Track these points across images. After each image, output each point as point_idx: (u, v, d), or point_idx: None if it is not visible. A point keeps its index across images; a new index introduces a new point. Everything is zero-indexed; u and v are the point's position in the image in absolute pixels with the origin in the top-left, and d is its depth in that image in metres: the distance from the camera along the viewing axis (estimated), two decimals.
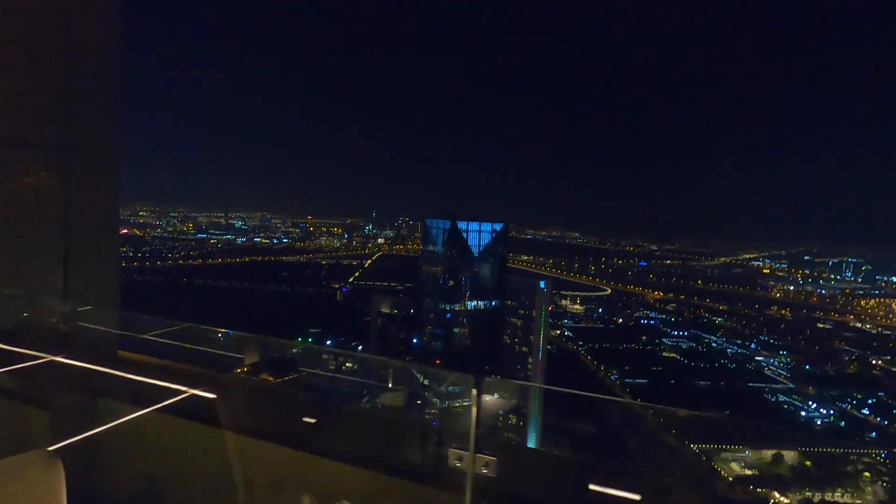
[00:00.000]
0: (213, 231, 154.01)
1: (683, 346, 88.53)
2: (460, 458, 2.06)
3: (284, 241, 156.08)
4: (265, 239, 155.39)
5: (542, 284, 78.07)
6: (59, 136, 4.07)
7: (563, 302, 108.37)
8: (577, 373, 79.71)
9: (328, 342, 75.70)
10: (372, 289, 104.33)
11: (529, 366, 74.76)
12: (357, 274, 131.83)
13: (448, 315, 76.78)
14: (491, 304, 77.78)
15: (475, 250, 78.66)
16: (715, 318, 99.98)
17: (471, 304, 77.20)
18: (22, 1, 3.91)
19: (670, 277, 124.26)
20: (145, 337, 4.43)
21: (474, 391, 2.24)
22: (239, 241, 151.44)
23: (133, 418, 2.80)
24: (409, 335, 78.13)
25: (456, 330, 77.07)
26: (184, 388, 2.67)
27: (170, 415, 2.78)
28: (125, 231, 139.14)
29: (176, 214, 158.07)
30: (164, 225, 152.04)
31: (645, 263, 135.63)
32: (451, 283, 77.99)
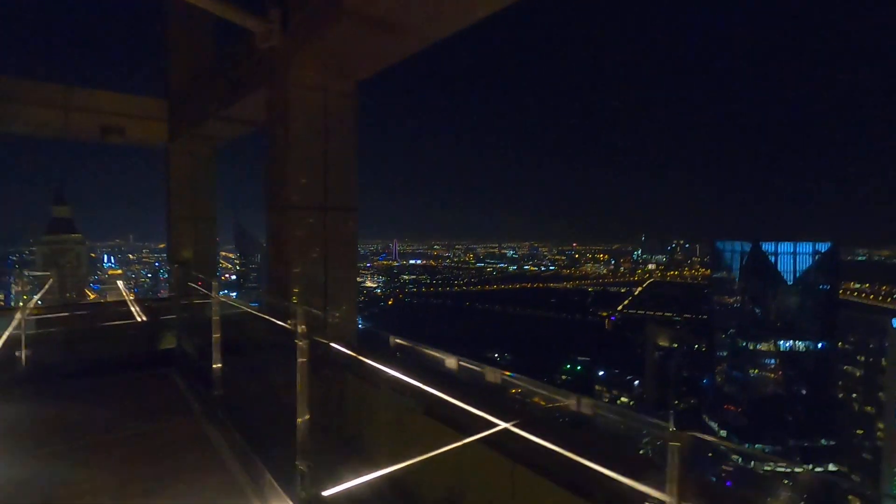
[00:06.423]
0: (489, 260, 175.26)
1: None
2: None
3: (551, 268, 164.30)
4: (533, 266, 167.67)
5: (894, 322, 57.98)
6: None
7: None
8: None
9: (600, 373, 73.11)
10: (644, 318, 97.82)
11: (879, 432, 55.55)
12: (626, 302, 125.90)
13: (750, 355, 64.16)
14: (815, 345, 61.43)
15: (788, 277, 64.16)
16: None
17: (784, 344, 62.65)
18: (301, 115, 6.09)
19: None
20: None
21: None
22: (510, 269, 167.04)
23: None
24: (696, 374, 68.57)
25: (756, 372, 63.70)
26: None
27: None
28: (423, 262, 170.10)
29: (460, 246, 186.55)
30: (451, 256, 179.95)
31: None
32: (754, 316, 65.29)
